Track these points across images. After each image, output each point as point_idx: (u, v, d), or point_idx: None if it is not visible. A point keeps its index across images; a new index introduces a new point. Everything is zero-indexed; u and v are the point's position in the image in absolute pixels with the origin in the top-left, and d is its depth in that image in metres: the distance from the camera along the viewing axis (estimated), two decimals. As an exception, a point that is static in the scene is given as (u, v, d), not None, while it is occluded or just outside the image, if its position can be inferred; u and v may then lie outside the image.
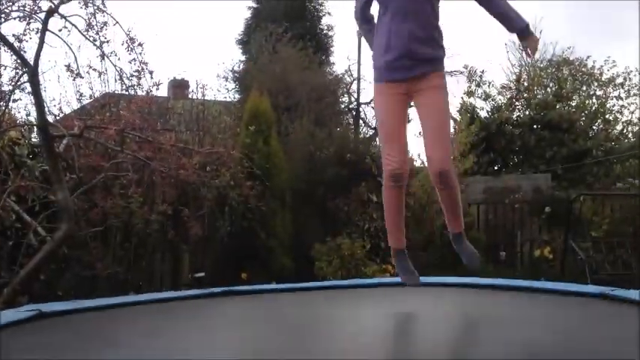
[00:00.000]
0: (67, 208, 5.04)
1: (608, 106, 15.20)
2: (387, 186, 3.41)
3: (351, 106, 14.04)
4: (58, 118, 6.62)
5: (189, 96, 9.83)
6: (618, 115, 15.17)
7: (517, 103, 15.14)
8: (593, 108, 14.99)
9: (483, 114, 14.73)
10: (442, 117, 3.29)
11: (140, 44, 5.71)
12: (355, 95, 14.18)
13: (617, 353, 2.75)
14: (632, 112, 15.29)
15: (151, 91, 5.94)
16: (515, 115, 14.74)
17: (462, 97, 15.01)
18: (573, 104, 15.08)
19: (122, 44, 5.68)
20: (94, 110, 6.37)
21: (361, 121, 13.85)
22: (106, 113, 6.45)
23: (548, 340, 3.07)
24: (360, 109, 14.07)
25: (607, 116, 14.85)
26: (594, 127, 14.69)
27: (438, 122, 3.26)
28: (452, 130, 3.43)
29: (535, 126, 14.04)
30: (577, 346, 2.88)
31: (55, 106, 7.40)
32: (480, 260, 3.71)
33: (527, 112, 14.68)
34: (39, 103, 5.02)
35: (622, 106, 15.21)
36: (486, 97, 15.25)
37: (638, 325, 3.30)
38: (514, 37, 3.37)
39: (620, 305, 4.02)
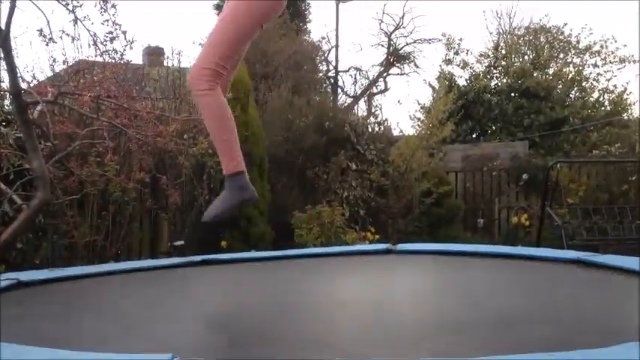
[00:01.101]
0: (42, 176, 4.94)
1: (585, 73, 15.29)
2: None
3: (329, 74, 13.96)
4: (31, 85, 6.48)
5: (165, 63, 9.70)
6: (595, 82, 15.28)
7: (495, 71, 15.17)
8: (570, 76, 15.08)
9: (462, 82, 14.75)
10: (220, 23, 2.84)
11: (114, 6, 5.58)
12: (333, 63, 14.09)
13: (594, 319, 2.79)
14: (609, 80, 15.42)
15: (124, 51, 5.80)
16: (493, 84, 14.77)
17: (440, 66, 15.01)
18: (550, 72, 15.15)
19: (95, 6, 5.53)
20: (68, 77, 6.23)
21: (339, 89, 13.78)
22: (80, 80, 6.32)
23: (521, 306, 3.10)
24: (339, 77, 14.00)
25: (584, 84, 14.94)
26: (571, 95, 14.79)
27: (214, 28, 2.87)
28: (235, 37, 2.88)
29: (513, 94, 14.10)
30: (551, 312, 2.91)
31: (27, 72, 7.26)
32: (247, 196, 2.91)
33: (504, 80, 14.73)
34: (11, 69, 4.89)
35: (598, 74, 15.31)
36: (464, 65, 15.27)
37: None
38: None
39: (597, 271, 4.09)
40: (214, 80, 2.71)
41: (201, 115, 2.88)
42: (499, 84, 14.72)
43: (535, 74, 14.51)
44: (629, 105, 14.87)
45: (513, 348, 2.05)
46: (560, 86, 14.49)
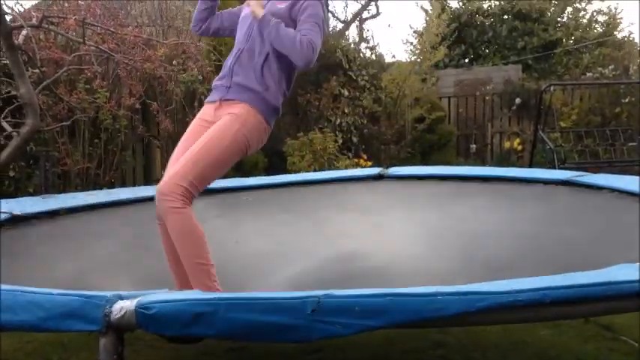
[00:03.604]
0: (31, 103, 4.88)
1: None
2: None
3: (320, -1, 13.65)
4: (15, 11, 6.32)
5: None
6: (587, 2, 15.00)
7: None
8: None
9: (455, 5, 14.49)
10: (208, 141, 2.61)
11: None
12: (324, -14, 13.75)
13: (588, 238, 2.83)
14: (602, 0, 15.14)
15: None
16: (486, 5, 14.52)
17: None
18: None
19: None
20: (52, 1, 6.07)
21: (330, 15, 13.51)
22: (65, 4, 6.16)
23: (512, 227, 3.14)
24: (330, 2, 13.70)
25: (576, 4, 14.68)
26: (564, 17, 14.55)
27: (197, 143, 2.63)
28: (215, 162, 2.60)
29: (505, 16, 13.87)
30: (543, 233, 2.94)
31: (10, -2, 7.05)
32: None
33: (497, 3, 14.47)
34: (-8, -8, 4.76)
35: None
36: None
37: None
38: None
39: (586, 190, 4.13)
40: (188, 200, 2.48)
41: (173, 240, 2.51)
42: (492, 6, 14.46)
43: None
44: (620, 23, 14.65)
45: (503, 270, 2.07)
46: (553, 8, 14.23)
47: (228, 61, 2.81)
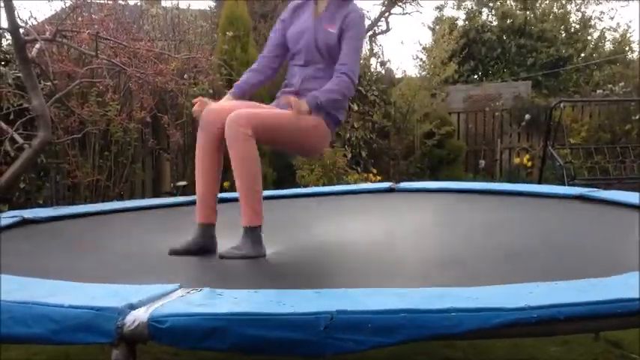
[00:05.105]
0: (43, 115, 4.91)
1: (587, 12, 15.03)
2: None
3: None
4: (28, 25, 6.39)
5: (162, 3, 9.53)
6: (598, 21, 15.05)
7: (482, 10, 14.93)
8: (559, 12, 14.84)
9: (460, 23, 14.54)
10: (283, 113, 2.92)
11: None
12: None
13: (597, 251, 2.81)
14: (612, 18, 15.18)
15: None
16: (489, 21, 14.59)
17: (438, 8, 14.74)
18: (539, 11, 14.90)
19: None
20: (66, 15, 6.13)
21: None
22: (78, 18, 6.23)
23: (523, 239, 3.12)
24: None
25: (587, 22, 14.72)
26: (568, 31, 14.57)
27: None
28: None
29: (506, 35, 13.91)
30: (554, 245, 2.93)
31: (24, 8, 7.15)
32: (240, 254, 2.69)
33: (495, 23, 14.54)
34: (9, 6, 4.80)
35: (601, 12, 15.06)
36: (458, 6, 15.01)
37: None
38: None
39: (598, 205, 4.11)
40: (253, 133, 2.68)
41: (235, 162, 2.69)
42: (491, 21, 14.52)
43: (520, 11, 14.25)
44: (632, 43, 14.67)
45: (514, 278, 2.06)
46: (555, 24, 14.25)
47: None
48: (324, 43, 2.93)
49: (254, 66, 3.14)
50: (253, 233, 2.72)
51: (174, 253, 2.77)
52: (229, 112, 2.71)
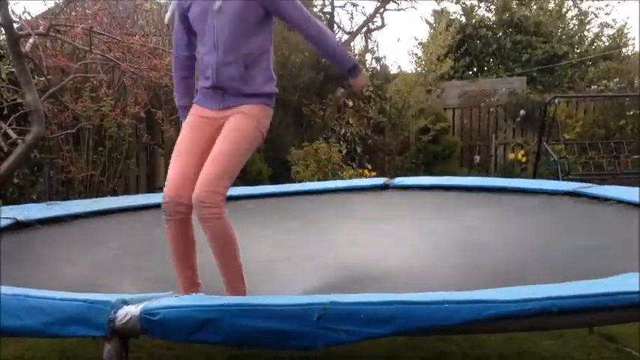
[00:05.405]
0: (36, 110, 4.90)
1: (583, 7, 15.00)
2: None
3: (325, 10, 13.68)
4: (22, 20, 6.36)
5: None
6: (594, 17, 15.03)
7: (480, 5, 14.90)
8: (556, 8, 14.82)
9: (457, 16, 14.51)
10: (228, 144, 2.68)
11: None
12: (329, -2, 13.78)
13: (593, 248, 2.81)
14: (608, 14, 15.17)
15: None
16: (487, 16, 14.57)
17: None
18: (549, 6, 14.89)
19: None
20: (59, 10, 6.10)
21: (335, 25, 13.54)
22: (72, 13, 6.20)
23: (519, 237, 3.12)
24: (335, 12, 13.73)
25: (582, 18, 14.70)
26: (564, 28, 14.56)
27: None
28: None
29: (502, 29, 13.88)
30: (549, 243, 2.93)
31: (16, 3, 7.07)
32: None
33: (494, 18, 14.51)
34: (2, 1, 4.78)
35: (597, 7, 15.04)
36: (457, 0, 14.97)
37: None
38: None
39: (592, 201, 4.12)
40: (224, 203, 2.55)
41: (211, 243, 2.57)
42: (490, 17, 14.49)
43: (515, 8, 14.23)
44: (629, 40, 14.67)
45: (509, 278, 2.06)
46: (550, 20, 14.23)
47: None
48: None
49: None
50: None
51: None
52: (188, 190, 2.56)
